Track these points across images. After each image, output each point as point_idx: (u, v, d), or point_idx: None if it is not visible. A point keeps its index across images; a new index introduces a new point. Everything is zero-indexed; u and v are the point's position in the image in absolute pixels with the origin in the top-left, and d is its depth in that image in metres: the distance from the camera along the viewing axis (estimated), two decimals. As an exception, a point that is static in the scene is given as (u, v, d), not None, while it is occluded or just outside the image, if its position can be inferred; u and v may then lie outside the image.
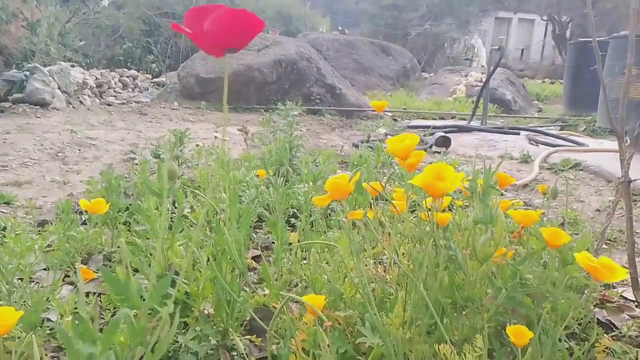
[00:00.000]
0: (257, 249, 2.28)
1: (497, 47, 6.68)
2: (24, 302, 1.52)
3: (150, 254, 1.62)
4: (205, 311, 1.53)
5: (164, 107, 7.04)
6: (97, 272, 2.09)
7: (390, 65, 12.15)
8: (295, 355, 1.27)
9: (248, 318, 1.58)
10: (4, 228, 1.90)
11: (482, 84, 10.63)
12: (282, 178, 2.97)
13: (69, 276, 1.97)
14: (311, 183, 2.62)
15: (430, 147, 4.69)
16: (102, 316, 1.72)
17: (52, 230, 2.00)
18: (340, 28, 17.49)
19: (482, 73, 10.50)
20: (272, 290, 1.43)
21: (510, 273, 1.09)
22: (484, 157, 4.45)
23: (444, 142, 4.66)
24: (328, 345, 0.79)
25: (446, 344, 0.95)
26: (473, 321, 1.11)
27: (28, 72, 5.54)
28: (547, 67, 21.30)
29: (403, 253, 1.39)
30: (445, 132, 5.12)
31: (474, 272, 1.12)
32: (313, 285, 1.39)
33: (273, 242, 2.37)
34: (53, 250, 2.05)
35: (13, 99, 5.39)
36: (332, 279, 1.36)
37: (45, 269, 1.96)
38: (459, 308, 1.15)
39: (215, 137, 4.35)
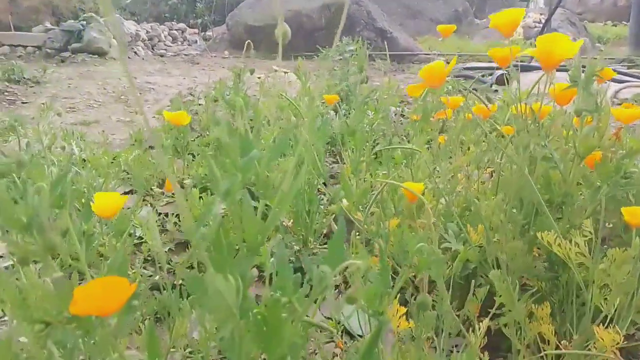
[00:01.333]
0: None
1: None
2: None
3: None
4: (284, 223, 1.56)
5: (214, 57, 7.07)
6: (171, 195, 2.16)
7: (440, 9, 11.66)
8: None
9: (325, 231, 1.60)
10: (83, 160, 1.98)
11: (540, 25, 10.07)
12: (346, 106, 2.94)
13: (145, 200, 2.04)
14: (373, 112, 2.58)
15: (491, 85, 4.51)
16: (181, 231, 1.79)
17: (127, 155, 2.07)
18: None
19: (541, 14, 9.94)
20: (351, 200, 1.43)
21: (612, 168, 1.03)
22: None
23: (505, 80, 4.48)
24: (433, 224, 0.77)
25: (549, 232, 0.92)
26: (571, 218, 1.07)
27: (85, 22, 5.65)
28: (608, 8, 19.88)
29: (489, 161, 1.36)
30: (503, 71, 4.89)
31: (571, 170, 1.07)
32: (391, 194, 1.38)
33: (338, 172, 2.38)
34: (129, 176, 2.13)
35: (72, 48, 5.53)
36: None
37: (124, 193, 2.04)
38: (554, 207, 1.11)
39: (276, 70, 4.34)
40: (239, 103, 0.79)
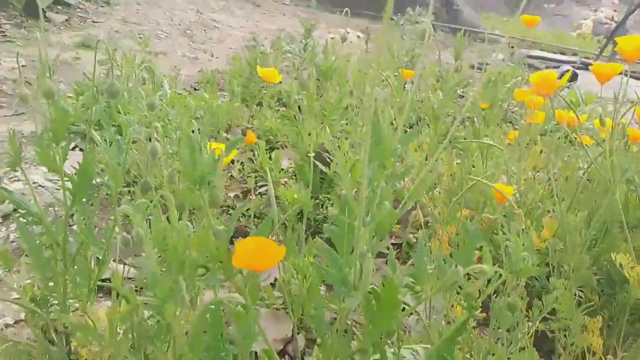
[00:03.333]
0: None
1: (647, -20, 5.95)
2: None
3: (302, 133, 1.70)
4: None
5: (276, 2, 7.00)
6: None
7: (511, -13, 11.19)
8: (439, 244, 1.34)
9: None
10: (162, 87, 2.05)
11: (612, 21, 9.62)
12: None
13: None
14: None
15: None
16: (246, 181, 1.87)
17: (201, 99, 2.13)
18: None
19: (615, 10, 9.48)
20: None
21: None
22: (602, 99, 4.15)
23: (571, 77, 4.36)
24: (524, 229, 0.82)
25: (626, 254, 0.96)
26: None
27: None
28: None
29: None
30: (571, 67, 4.76)
31: (652, 196, 1.10)
32: (461, 182, 1.42)
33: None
34: (198, 118, 2.21)
35: (141, -28, 5.55)
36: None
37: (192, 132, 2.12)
38: (628, 228, 1.14)
39: (332, 38, 4.31)
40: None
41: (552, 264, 1.21)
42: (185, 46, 3.60)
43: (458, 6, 7.32)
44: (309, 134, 1.71)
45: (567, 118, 1.50)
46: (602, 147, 1.36)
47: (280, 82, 2.71)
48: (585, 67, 5.32)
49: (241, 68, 2.54)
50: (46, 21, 3.40)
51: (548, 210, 1.43)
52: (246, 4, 6.22)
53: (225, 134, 2.12)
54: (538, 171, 1.63)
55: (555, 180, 1.49)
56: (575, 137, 1.67)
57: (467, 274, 0.56)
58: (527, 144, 1.61)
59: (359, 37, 3.97)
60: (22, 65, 2.70)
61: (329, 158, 1.60)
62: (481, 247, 0.75)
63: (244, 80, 2.42)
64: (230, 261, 0.56)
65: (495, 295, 0.87)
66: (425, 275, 0.57)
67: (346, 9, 1.59)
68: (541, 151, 1.68)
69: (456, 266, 0.53)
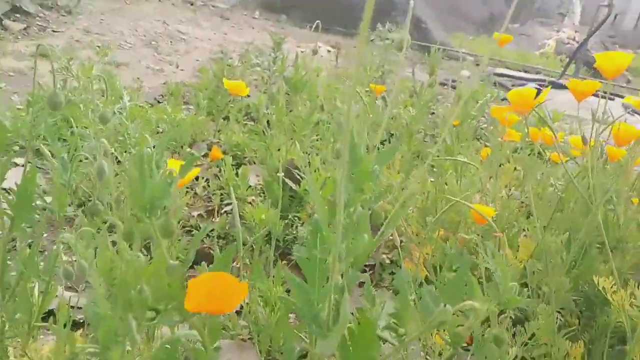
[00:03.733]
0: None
1: (606, 3, 6.16)
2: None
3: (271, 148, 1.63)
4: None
5: (245, 15, 6.95)
6: (201, 158, 2.14)
7: (477, 7, 11.47)
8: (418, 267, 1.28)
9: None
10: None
11: (573, 41, 9.94)
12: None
13: (173, 157, 2.03)
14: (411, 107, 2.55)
15: (520, 97, 4.48)
16: (211, 199, 1.78)
17: (162, 111, 2.04)
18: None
19: (576, 31, 9.81)
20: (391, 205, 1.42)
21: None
22: (577, 117, 4.22)
23: (536, 94, 4.43)
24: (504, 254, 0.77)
25: (608, 277, 0.91)
26: (620, 264, 1.07)
27: (122, -43, 5.51)
28: (641, 35, 19.59)
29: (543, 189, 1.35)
30: (536, 86, 4.85)
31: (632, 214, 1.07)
32: (435, 201, 1.38)
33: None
34: (160, 132, 2.11)
35: (105, -18, 5.42)
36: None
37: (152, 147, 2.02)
38: (605, 250, 1.11)
39: (302, 52, 4.27)
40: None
41: (530, 286, 1.16)
42: (150, 57, 3.49)
43: (427, 25, 7.43)
44: (278, 150, 1.64)
45: (542, 135, 1.47)
46: (577, 165, 1.34)
47: (249, 95, 2.62)
48: (549, 84, 5.44)
49: (208, 80, 2.46)
50: (2, 29, 3.24)
51: (523, 229, 1.40)
52: (214, 17, 6.15)
53: (189, 149, 2.03)
54: (511, 189, 1.60)
55: (530, 198, 1.45)
56: (548, 155, 1.65)
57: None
58: (501, 163, 1.58)
59: (329, 51, 3.95)
60: (-27, 75, 2.55)
61: (298, 175, 1.53)
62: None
63: (210, 92, 2.33)
64: (185, 302, 0.48)
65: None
66: (408, 315, 0.50)
67: (317, 21, 1.54)
68: (515, 168, 1.65)
69: (444, 305, 0.46)
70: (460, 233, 1.33)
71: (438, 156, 1.53)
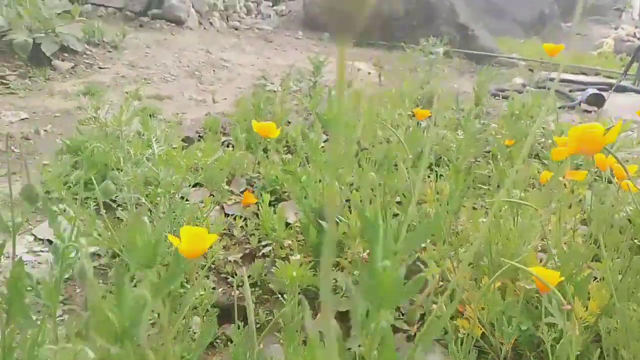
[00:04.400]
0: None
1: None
2: (176, 217, 1.51)
3: (307, 186, 1.54)
4: (360, 255, 1.44)
5: (287, 36, 6.97)
6: (239, 195, 2.08)
7: (525, 9, 11.03)
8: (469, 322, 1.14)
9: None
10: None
11: (634, 38, 9.36)
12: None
13: (213, 195, 1.97)
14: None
15: (579, 104, 4.19)
16: (248, 241, 1.70)
17: (200, 149, 1.99)
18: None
19: (636, 27, 9.24)
20: (441, 247, 1.29)
21: None
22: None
23: (597, 101, 4.14)
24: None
25: None
26: None
27: (166, -11, 5.66)
28: None
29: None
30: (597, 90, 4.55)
31: None
32: (488, 246, 1.24)
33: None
34: (200, 168, 2.07)
35: (152, 14, 5.56)
36: (515, 243, 1.20)
37: (191, 186, 1.97)
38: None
39: (359, 70, 4.19)
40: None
41: (604, 350, 1.00)
42: (193, 88, 3.50)
43: (473, 31, 7.18)
44: (315, 186, 1.54)
45: (610, 164, 1.30)
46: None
47: (289, 122, 2.54)
48: (610, 88, 5.09)
49: (246, 111, 2.41)
50: (51, 70, 3.34)
51: (593, 274, 1.23)
52: (258, 40, 6.19)
53: (226, 186, 1.97)
54: (577, 224, 1.42)
55: (600, 241, 1.28)
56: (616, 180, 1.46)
57: None
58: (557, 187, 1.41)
59: (370, 72, 3.84)
60: (23, 119, 2.62)
61: (337, 217, 1.43)
62: None
63: (249, 124, 2.28)
64: None
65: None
66: None
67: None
68: (572, 191, 1.47)
69: None
70: (519, 282, 1.18)
71: (489, 176, 1.38)
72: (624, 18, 12.44)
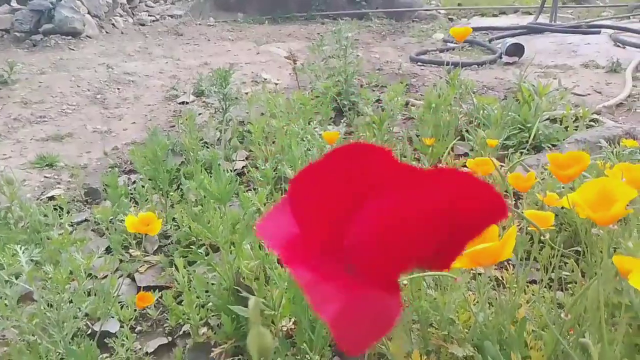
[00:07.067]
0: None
1: None
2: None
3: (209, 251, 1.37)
4: (283, 328, 1.30)
5: (199, 25, 6.58)
6: (153, 254, 1.90)
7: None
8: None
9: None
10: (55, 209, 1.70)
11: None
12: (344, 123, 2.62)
13: (122, 260, 1.78)
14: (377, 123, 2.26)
15: (500, 57, 4.14)
16: (166, 317, 1.53)
17: (102, 212, 1.78)
18: None
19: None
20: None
21: None
22: (565, 66, 3.89)
23: (516, 51, 4.09)
24: None
25: None
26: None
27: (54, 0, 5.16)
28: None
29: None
30: (514, 36, 4.51)
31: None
32: (418, 307, 1.12)
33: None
34: (105, 232, 1.86)
35: (43, 30, 5.08)
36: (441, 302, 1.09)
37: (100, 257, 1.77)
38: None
39: (265, 80, 3.96)
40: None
41: None
42: (97, 117, 3.21)
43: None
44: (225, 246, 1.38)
45: (515, 182, 1.20)
46: None
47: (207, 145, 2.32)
48: (527, 32, 5.05)
49: (153, 150, 2.18)
50: None
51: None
52: (167, 36, 5.81)
53: (137, 251, 1.78)
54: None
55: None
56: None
57: None
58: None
59: (287, 58, 3.64)
60: None
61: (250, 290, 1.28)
62: None
63: (153, 163, 2.06)
64: None
65: None
66: None
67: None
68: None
69: None
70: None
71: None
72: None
